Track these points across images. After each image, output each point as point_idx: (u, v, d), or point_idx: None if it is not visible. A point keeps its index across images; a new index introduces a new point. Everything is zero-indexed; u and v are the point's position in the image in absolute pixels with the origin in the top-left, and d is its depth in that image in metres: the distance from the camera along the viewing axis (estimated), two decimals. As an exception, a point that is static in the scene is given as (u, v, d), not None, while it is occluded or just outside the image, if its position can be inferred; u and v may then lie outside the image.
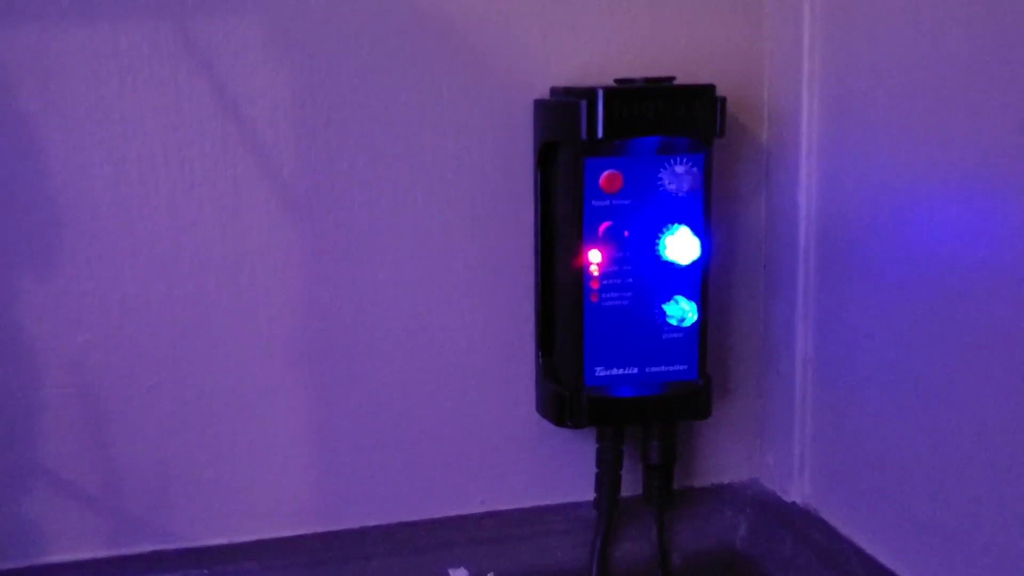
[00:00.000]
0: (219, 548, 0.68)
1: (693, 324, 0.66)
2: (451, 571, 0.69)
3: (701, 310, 0.66)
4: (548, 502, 0.73)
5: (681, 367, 0.66)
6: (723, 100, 0.63)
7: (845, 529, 0.68)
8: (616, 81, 0.64)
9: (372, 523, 0.71)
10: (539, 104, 0.67)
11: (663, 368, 0.66)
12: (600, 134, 0.61)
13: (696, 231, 0.65)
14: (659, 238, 0.64)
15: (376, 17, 0.65)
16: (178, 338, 0.66)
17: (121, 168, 0.63)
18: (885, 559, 0.64)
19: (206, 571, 0.66)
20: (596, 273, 0.64)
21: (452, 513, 0.72)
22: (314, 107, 0.65)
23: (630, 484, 0.71)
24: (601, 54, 0.68)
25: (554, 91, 0.66)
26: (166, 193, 0.64)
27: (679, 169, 0.64)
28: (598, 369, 0.66)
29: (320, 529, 0.70)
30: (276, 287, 0.66)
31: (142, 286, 0.65)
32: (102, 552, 0.67)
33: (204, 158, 0.64)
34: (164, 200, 0.64)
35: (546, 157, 0.66)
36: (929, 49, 0.57)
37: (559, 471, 0.73)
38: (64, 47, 0.61)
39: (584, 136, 0.61)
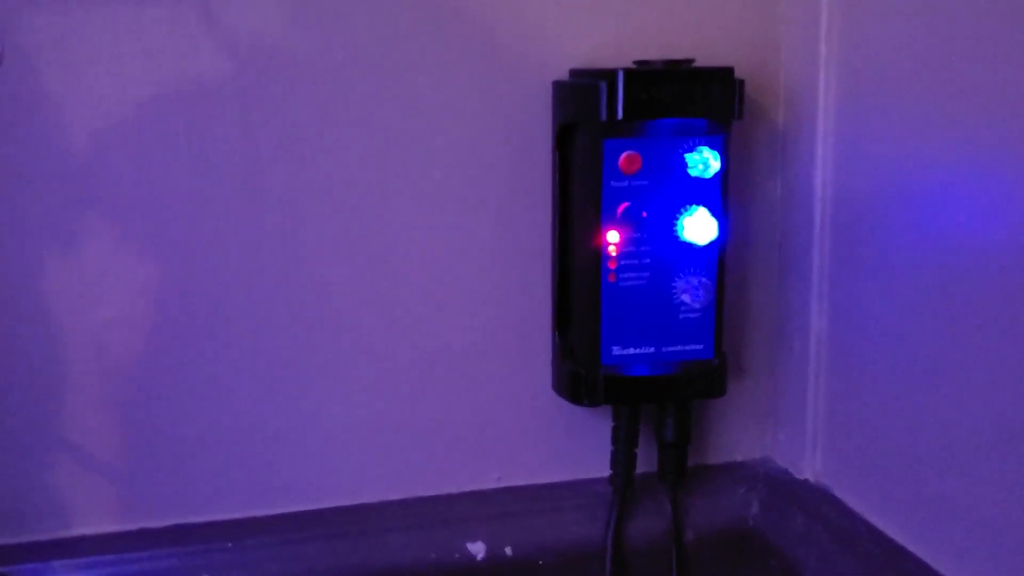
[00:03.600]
0: (241, 521, 0.69)
1: (708, 302, 0.66)
2: (469, 545, 0.70)
3: (716, 291, 0.67)
4: (564, 478, 0.75)
5: (697, 346, 0.67)
6: (741, 83, 0.63)
7: (856, 506, 0.69)
8: (635, 63, 0.64)
9: (391, 497, 0.72)
10: (558, 85, 0.67)
11: (679, 347, 0.67)
12: (619, 115, 0.61)
13: (714, 212, 0.65)
14: (677, 219, 0.65)
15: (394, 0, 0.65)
16: (198, 316, 0.67)
17: (143, 148, 0.64)
18: (896, 535, 0.65)
19: (229, 544, 0.67)
20: (614, 253, 0.65)
21: (469, 488, 0.73)
22: (333, 88, 0.65)
23: (645, 461, 0.72)
24: (619, 35, 0.68)
25: (573, 72, 0.67)
26: (187, 173, 0.64)
27: (697, 151, 0.64)
28: (615, 348, 0.67)
29: (340, 503, 0.71)
30: (294, 266, 0.67)
31: (163, 265, 0.65)
32: (126, 525, 0.68)
33: (225, 139, 0.64)
34: (185, 180, 0.64)
35: (565, 138, 0.67)
36: (945, 31, 0.57)
37: (575, 448, 0.74)
38: (86, 30, 0.61)
39: (604, 117, 0.61)
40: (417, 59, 0.66)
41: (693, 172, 0.65)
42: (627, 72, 0.61)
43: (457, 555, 0.70)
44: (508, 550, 0.71)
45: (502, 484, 0.74)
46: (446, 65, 0.67)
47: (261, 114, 0.65)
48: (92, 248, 0.64)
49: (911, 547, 0.63)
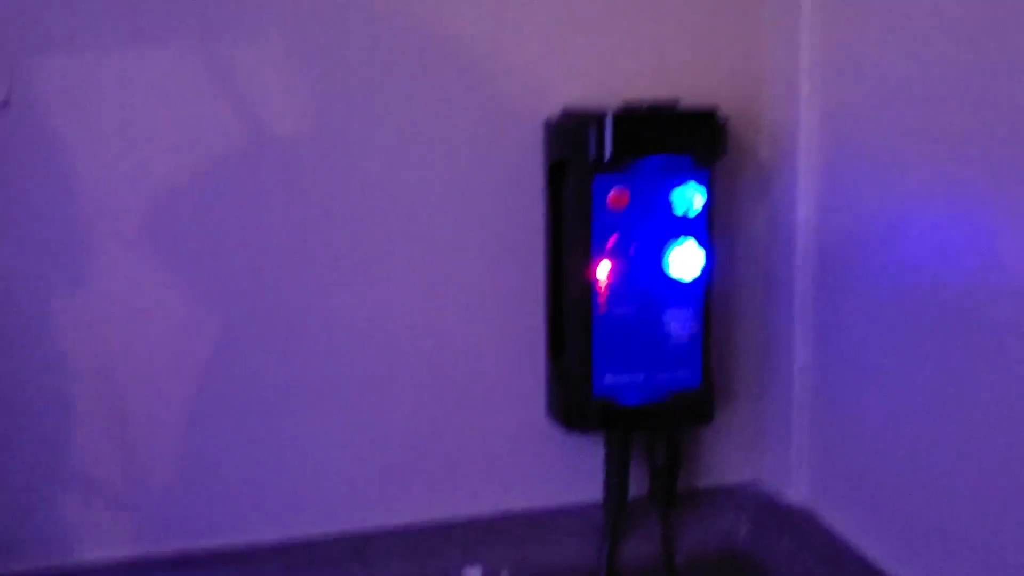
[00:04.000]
0: (242, 548, 0.71)
1: (696, 331, 0.69)
2: (467, 569, 0.72)
3: (703, 320, 0.69)
4: (558, 503, 0.77)
5: (685, 374, 0.70)
6: (725, 122, 0.66)
7: (841, 529, 0.71)
8: (624, 103, 0.67)
9: (390, 524, 0.74)
10: (550, 125, 0.70)
11: (668, 375, 0.70)
12: (608, 155, 0.64)
13: (700, 245, 0.68)
14: (664, 252, 0.68)
15: (391, 38, 0.68)
16: (199, 344, 0.69)
17: (149, 183, 0.66)
18: (879, 558, 0.67)
19: (233, 570, 0.69)
20: (604, 285, 0.68)
21: (466, 514, 0.75)
22: (331, 125, 0.68)
23: (636, 485, 0.75)
24: (610, 76, 0.71)
25: (564, 112, 0.70)
26: (190, 204, 0.67)
27: (683, 187, 0.67)
28: (607, 376, 0.69)
29: (341, 528, 0.73)
30: (293, 294, 0.70)
31: (166, 293, 0.68)
32: (129, 552, 0.70)
33: (227, 170, 0.67)
34: (188, 209, 0.67)
35: (556, 175, 0.69)
36: (924, 71, 0.60)
37: (568, 474, 0.76)
38: (95, 74, 0.64)
39: (593, 156, 0.64)
40: (414, 97, 0.69)
41: (679, 208, 0.67)
42: (616, 114, 0.64)
43: (455, 579, 0.72)
44: (505, 574, 0.73)
45: (498, 509, 0.76)
46: (443, 103, 0.69)
47: (260, 148, 0.67)
48: (97, 281, 0.67)
49: (894, 571, 0.65)
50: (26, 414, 0.67)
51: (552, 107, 0.71)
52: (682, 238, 0.68)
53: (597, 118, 0.64)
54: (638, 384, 0.69)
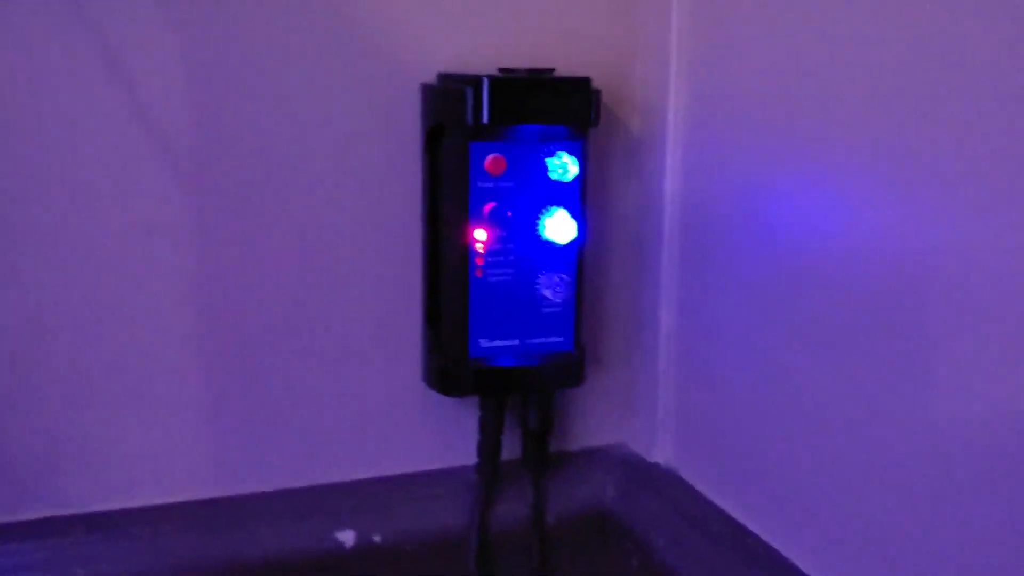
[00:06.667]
0: (112, 513, 0.69)
1: (568, 297, 0.71)
2: (338, 534, 0.72)
3: (576, 287, 0.71)
4: (432, 467, 0.78)
5: (558, 339, 0.72)
6: (598, 92, 0.68)
7: (703, 488, 0.75)
8: (500, 70, 0.68)
9: (262, 489, 0.73)
10: (426, 88, 0.70)
11: (541, 340, 0.71)
12: (485, 119, 0.65)
13: (573, 213, 0.70)
14: (539, 219, 0.69)
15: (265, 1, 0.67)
16: (69, 310, 0.66)
17: (19, 141, 0.63)
18: (739, 515, 0.71)
19: (99, 535, 0.67)
20: (481, 250, 0.69)
21: (339, 479, 0.75)
22: (206, 88, 0.66)
23: (509, 448, 0.76)
24: (484, 42, 0.72)
25: (441, 77, 0.70)
26: (59, 166, 0.64)
27: (558, 155, 0.69)
28: (482, 340, 0.70)
29: (212, 495, 0.72)
30: (167, 260, 0.68)
31: (35, 258, 0.65)
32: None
33: (98, 133, 0.65)
34: (58, 172, 0.64)
35: (433, 140, 0.70)
36: (785, 50, 0.63)
37: (443, 438, 0.77)
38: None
39: (470, 121, 0.65)
40: (290, 60, 0.68)
41: (554, 175, 0.69)
42: (492, 79, 0.65)
43: (327, 544, 0.72)
44: (377, 538, 0.73)
45: (371, 473, 0.76)
46: (319, 67, 0.69)
47: (132, 108, 0.65)
48: None
49: (752, 525, 0.69)
50: None
51: (429, 72, 0.71)
52: (556, 206, 0.69)
53: (474, 81, 0.65)
54: (512, 349, 0.71)
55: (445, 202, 0.70)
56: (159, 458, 0.70)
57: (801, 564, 0.65)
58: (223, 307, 0.70)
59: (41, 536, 0.66)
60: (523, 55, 0.72)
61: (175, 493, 0.71)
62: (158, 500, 0.71)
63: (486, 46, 0.72)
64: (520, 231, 0.69)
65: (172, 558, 0.68)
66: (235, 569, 0.70)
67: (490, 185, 0.68)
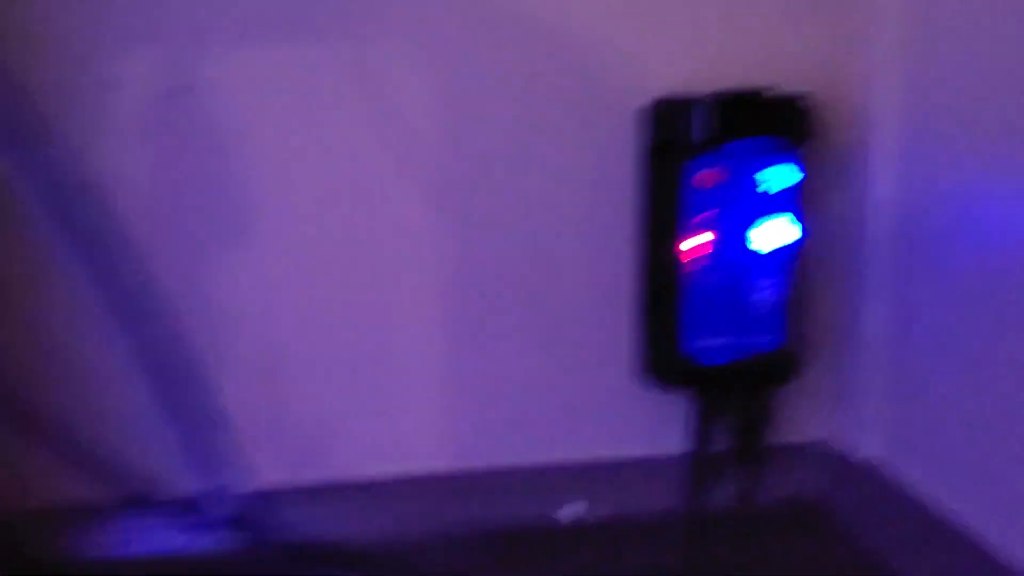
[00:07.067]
0: (365, 482, 0.80)
1: (779, 299, 0.75)
2: (557, 510, 0.80)
3: (786, 289, 0.75)
4: (644, 455, 0.84)
5: (768, 338, 0.76)
6: (812, 106, 0.72)
7: (909, 483, 0.77)
8: (716, 91, 0.73)
9: (493, 466, 0.82)
10: (645, 111, 0.76)
11: (753, 339, 0.76)
12: (703, 137, 0.71)
13: (784, 221, 0.74)
14: (751, 226, 0.74)
15: (503, 31, 0.75)
16: (338, 304, 0.78)
17: (300, 163, 0.75)
18: (945, 510, 0.72)
19: (362, 498, 0.78)
20: (696, 256, 0.74)
21: (558, 459, 0.83)
22: (458, 112, 0.76)
23: (720, 441, 0.81)
24: (701, 67, 0.77)
25: (660, 99, 0.76)
26: (332, 184, 0.76)
27: (771, 168, 0.73)
28: (695, 339, 0.76)
29: (448, 468, 0.82)
30: (418, 262, 0.78)
31: (310, 260, 0.77)
32: (277, 480, 0.79)
33: (365, 157, 0.76)
34: (332, 190, 0.76)
35: (652, 156, 0.76)
36: (1009, 56, 0.64)
37: (656, 428, 0.83)
38: (261, 64, 0.73)
39: (689, 139, 0.71)
40: (527, 91, 0.76)
41: (766, 186, 0.73)
42: (710, 99, 0.71)
43: (546, 519, 0.80)
44: (593, 516, 0.80)
45: (588, 457, 0.83)
46: (552, 93, 0.77)
47: (396, 131, 0.75)
48: (259, 248, 0.76)
49: (961, 518, 0.71)
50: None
51: (646, 96, 0.76)
52: (769, 214, 0.74)
53: (693, 103, 0.70)
54: (724, 347, 0.76)
55: (663, 212, 0.75)
56: (408, 435, 0.81)
57: (1017, 557, 0.65)
58: (464, 303, 0.79)
59: (316, 498, 0.78)
60: (737, 75, 0.77)
61: (418, 464, 0.81)
62: (402, 472, 0.81)
63: (702, 70, 0.77)
64: (733, 238, 0.74)
65: (417, 521, 0.78)
66: (466, 535, 0.79)
67: (705, 196, 0.73)
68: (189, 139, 0.74)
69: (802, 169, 0.74)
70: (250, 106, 0.74)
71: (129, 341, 0.73)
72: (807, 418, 0.86)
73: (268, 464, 0.78)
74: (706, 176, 0.73)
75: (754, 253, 0.75)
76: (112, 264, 0.72)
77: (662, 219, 0.75)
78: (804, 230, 0.76)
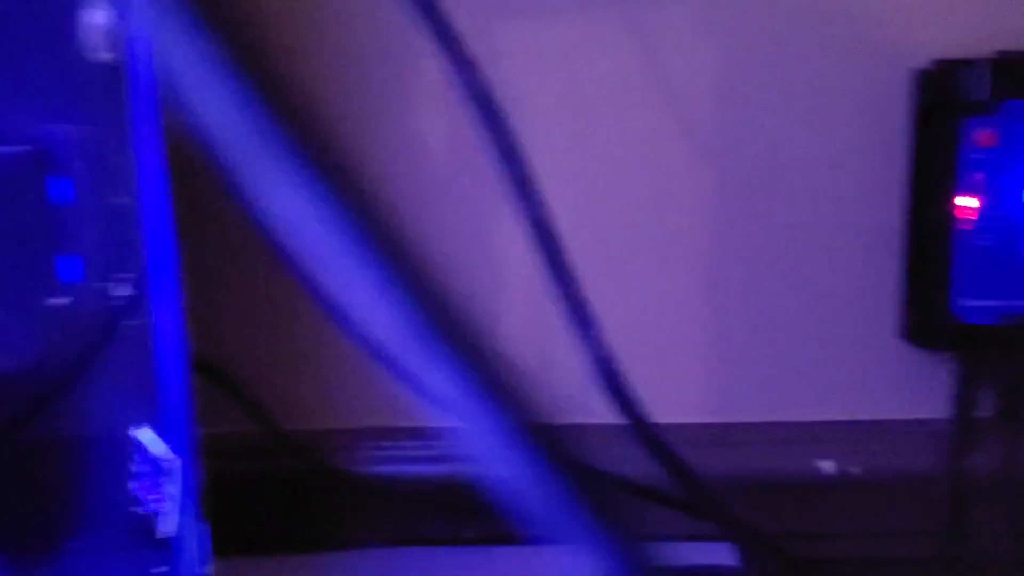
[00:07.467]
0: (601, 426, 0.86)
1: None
2: (820, 462, 0.83)
3: (1062, 252, 0.75)
4: (906, 416, 0.85)
5: (1042, 300, 0.76)
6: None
7: None
8: (997, 52, 0.74)
9: (752, 420, 0.86)
10: (921, 73, 0.78)
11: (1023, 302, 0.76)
12: (979, 97, 0.72)
13: (1064, 182, 0.74)
14: (1026, 189, 0.74)
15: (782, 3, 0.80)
16: (608, 260, 0.85)
17: (586, 142, 0.83)
18: None
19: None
20: (968, 216, 0.75)
21: (818, 418, 0.86)
22: (734, 77, 0.81)
23: (985, 406, 0.82)
24: (980, 27, 0.78)
25: (937, 60, 0.77)
26: (605, 145, 0.83)
27: (1051, 127, 0.73)
28: (962, 299, 0.77)
29: (708, 420, 0.87)
30: (688, 217, 0.84)
31: (584, 218, 0.84)
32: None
33: (640, 116, 0.82)
34: (606, 148, 0.83)
35: (927, 117, 0.78)
36: None
37: (918, 389, 0.84)
38: (542, 38, 0.81)
39: (967, 99, 0.73)
40: (799, 57, 0.80)
41: (1046, 146, 0.74)
42: (989, 59, 0.72)
43: (809, 470, 0.83)
44: (856, 469, 0.83)
45: (847, 416, 0.86)
46: (823, 57, 0.80)
47: (674, 106, 0.81)
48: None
49: None
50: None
51: (921, 57, 0.78)
52: (1045, 176, 0.74)
53: (972, 63, 0.72)
54: (994, 308, 0.76)
55: (937, 170, 0.77)
56: (670, 386, 0.86)
57: None
58: (731, 259, 0.84)
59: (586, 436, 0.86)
60: (1018, 35, 0.77)
61: (679, 415, 0.87)
62: (667, 419, 0.86)
63: (981, 30, 0.78)
64: (1008, 198, 0.75)
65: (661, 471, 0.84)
66: (730, 483, 0.84)
67: (980, 156, 0.74)
68: (478, 109, 0.83)
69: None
70: (534, 77, 0.82)
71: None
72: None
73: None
74: (983, 136, 0.74)
75: (1031, 215, 0.75)
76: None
77: (935, 177, 0.77)
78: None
